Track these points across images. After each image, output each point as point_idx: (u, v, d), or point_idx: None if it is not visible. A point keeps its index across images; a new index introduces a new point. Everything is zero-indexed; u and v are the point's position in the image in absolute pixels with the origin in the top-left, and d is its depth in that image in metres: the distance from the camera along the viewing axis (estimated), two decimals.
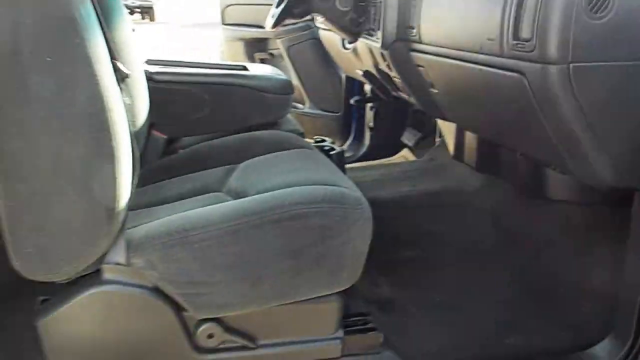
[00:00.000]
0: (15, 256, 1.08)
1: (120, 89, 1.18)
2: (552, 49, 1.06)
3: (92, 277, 1.15)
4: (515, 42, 1.15)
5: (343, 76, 3.00)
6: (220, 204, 1.24)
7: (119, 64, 1.19)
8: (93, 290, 1.15)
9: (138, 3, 17.28)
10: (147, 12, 17.54)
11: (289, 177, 1.32)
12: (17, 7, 0.96)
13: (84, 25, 1.01)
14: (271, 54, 3.40)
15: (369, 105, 2.88)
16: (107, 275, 1.15)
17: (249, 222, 1.16)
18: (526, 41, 1.11)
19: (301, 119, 3.20)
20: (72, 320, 1.16)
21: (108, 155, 1.05)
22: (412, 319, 1.54)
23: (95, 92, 1.03)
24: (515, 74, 1.18)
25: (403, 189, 2.02)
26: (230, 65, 2.10)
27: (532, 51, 1.10)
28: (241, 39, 3.45)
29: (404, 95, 2.03)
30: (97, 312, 1.17)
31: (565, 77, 1.07)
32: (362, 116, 2.99)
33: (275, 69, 2.19)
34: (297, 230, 1.17)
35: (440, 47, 1.48)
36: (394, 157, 2.81)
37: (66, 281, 1.15)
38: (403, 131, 2.71)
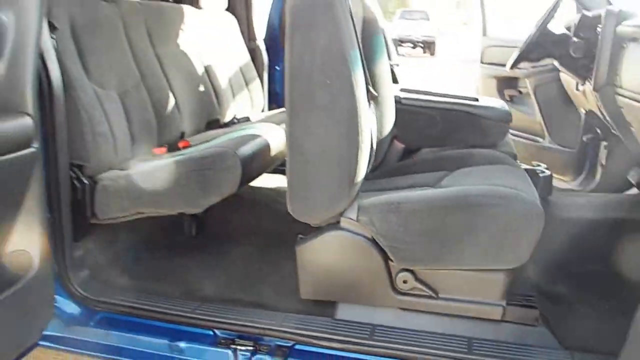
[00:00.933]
0: (291, 203, 1.68)
1: (369, 105, 1.74)
2: None
3: (333, 225, 1.71)
4: None
5: (582, 115, 3.20)
6: (427, 191, 1.72)
7: (370, 88, 1.76)
8: (333, 233, 1.70)
9: (422, 39, 18.53)
10: (428, 46, 18.65)
11: (485, 180, 1.75)
12: (313, 48, 1.56)
13: (351, 62, 1.57)
14: (519, 92, 3.73)
15: (604, 143, 3.04)
16: (343, 224, 1.69)
17: (443, 203, 1.62)
18: None
19: (539, 152, 3.46)
20: (316, 250, 1.72)
21: (355, 146, 1.60)
22: (575, 313, 1.79)
23: (353, 104, 1.58)
24: None
25: (599, 214, 2.22)
26: (463, 96, 2.54)
27: None
28: (495, 77, 3.84)
29: (618, 133, 2.25)
30: (333, 248, 1.71)
31: None
32: (596, 154, 3.12)
33: (501, 101, 2.57)
34: (476, 215, 1.59)
35: (632, 92, 1.77)
36: None
37: (317, 225, 1.73)
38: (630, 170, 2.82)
